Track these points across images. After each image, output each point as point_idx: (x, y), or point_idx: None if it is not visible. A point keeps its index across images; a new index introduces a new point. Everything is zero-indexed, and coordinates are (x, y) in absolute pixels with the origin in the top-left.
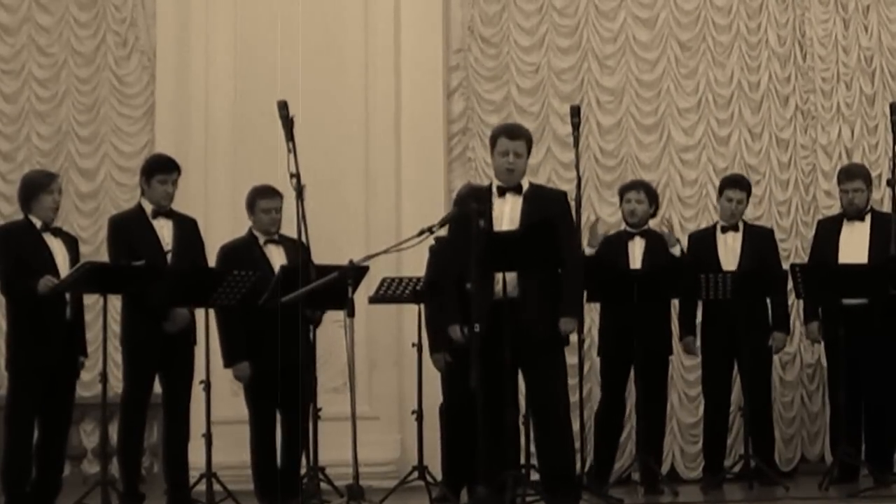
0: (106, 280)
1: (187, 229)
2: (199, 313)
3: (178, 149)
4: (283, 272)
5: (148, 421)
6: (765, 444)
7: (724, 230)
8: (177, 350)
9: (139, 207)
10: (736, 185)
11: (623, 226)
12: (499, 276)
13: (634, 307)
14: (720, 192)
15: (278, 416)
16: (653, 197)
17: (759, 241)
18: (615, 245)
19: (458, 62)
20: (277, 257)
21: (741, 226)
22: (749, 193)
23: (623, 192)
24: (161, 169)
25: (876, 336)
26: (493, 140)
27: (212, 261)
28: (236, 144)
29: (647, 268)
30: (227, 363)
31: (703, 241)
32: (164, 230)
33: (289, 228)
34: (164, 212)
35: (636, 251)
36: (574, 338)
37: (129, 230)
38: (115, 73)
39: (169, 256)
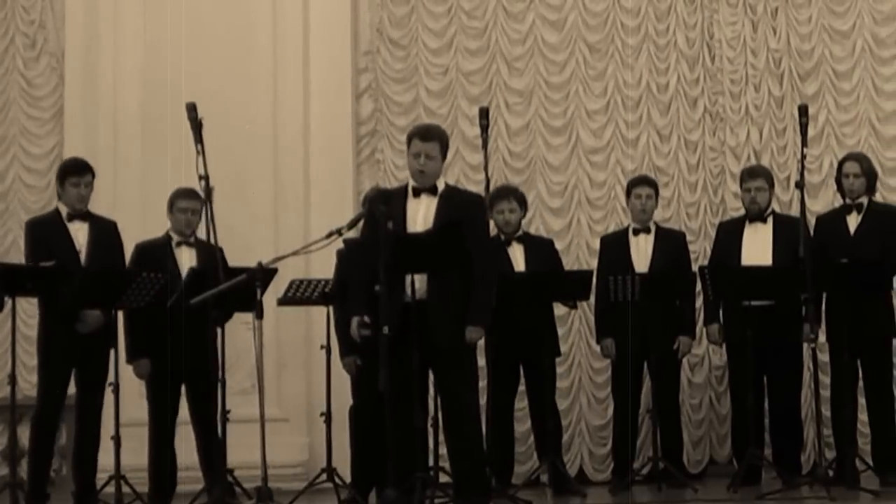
0: (15, 281)
1: (104, 232)
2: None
3: (87, 151)
4: (192, 274)
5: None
6: (673, 446)
7: (636, 232)
8: (92, 352)
9: (55, 211)
10: (642, 182)
11: (498, 233)
12: (410, 278)
13: (521, 311)
14: (627, 192)
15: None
16: (522, 202)
17: (671, 244)
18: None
19: (367, 64)
20: (187, 259)
21: (653, 228)
22: (656, 191)
23: (493, 202)
24: (73, 172)
25: (779, 338)
26: (408, 141)
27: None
28: (145, 146)
29: (531, 271)
30: (128, 359)
31: (615, 244)
32: (79, 233)
33: (200, 230)
34: (81, 214)
35: (517, 256)
36: (481, 341)
37: (43, 233)
38: (23, 76)
39: (83, 259)
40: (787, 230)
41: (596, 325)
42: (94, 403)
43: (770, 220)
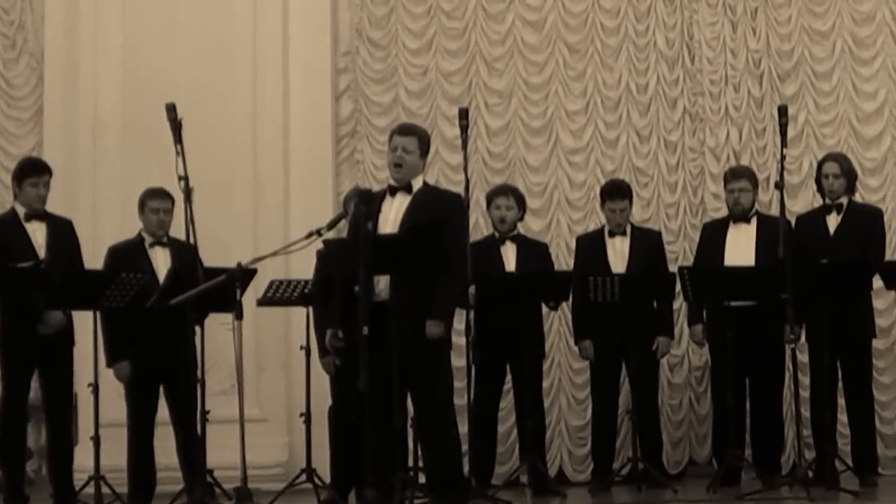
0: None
1: (62, 231)
2: (82, 315)
3: (67, 151)
4: (172, 275)
5: (37, 423)
6: (652, 446)
7: (611, 234)
8: (55, 352)
9: (12, 211)
10: (616, 194)
11: (493, 231)
12: (379, 278)
13: (509, 311)
14: (602, 202)
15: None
16: (521, 201)
17: (647, 245)
18: (487, 250)
19: (347, 64)
20: (162, 260)
21: (629, 229)
22: (631, 198)
23: (491, 198)
24: (32, 172)
25: (761, 339)
26: (389, 139)
27: (100, 262)
28: (125, 147)
29: (521, 272)
30: (108, 362)
31: (592, 245)
32: (38, 233)
33: (179, 231)
34: (38, 214)
35: (509, 256)
36: (462, 340)
37: (1, 234)
38: (3, 76)
39: (42, 259)
40: (771, 230)
41: (573, 327)
42: (62, 405)
43: (754, 220)
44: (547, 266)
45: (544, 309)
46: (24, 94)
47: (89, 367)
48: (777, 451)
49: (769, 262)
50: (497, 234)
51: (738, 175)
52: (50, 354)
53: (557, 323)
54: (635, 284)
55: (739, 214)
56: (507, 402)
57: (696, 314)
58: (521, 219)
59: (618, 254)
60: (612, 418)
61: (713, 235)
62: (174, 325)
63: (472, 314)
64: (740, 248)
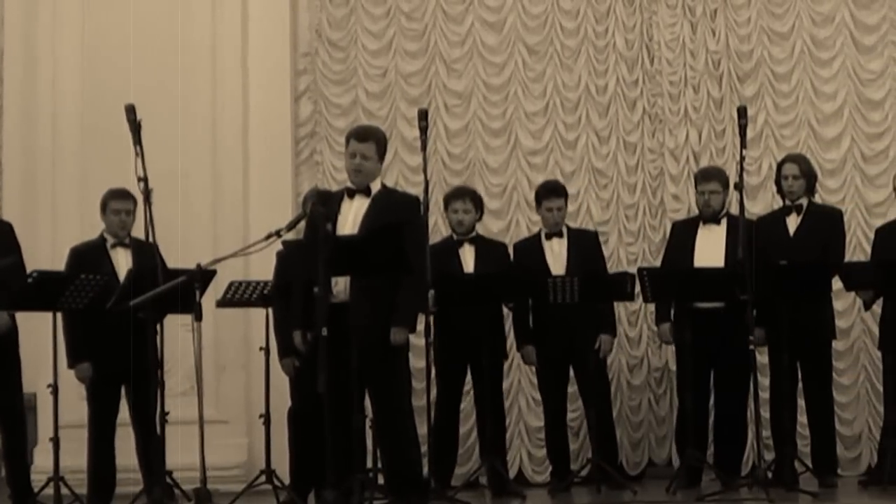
0: None
1: (3, 234)
2: (38, 316)
3: (26, 152)
4: (132, 276)
5: None
6: (608, 447)
7: (548, 237)
8: (1, 354)
9: None
10: (552, 193)
11: (451, 233)
12: (337, 280)
13: (469, 312)
14: (538, 203)
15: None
16: (478, 204)
17: (584, 245)
18: (446, 252)
19: (306, 66)
20: (123, 261)
21: (565, 231)
22: (566, 197)
23: (448, 201)
24: None
25: (726, 340)
26: (346, 142)
27: (60, 263)
28: (84, 148)
29: (479, 273)
30: (69, 364)
31: (529, 249)
32: None
33: (140, 232)
34: None
35: (467, 257)
36: (421, 342)
37: None
38: None
39: None
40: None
41: (515, 333)
42: (14, 406)
43: (724, 221)
44: (506, 266)
45: (504, 310)
46: None
47: (48, 369)
48: (739, 452)
49: (731, 264)
50: (455, 237)
51: (709, 177)
52: None
53: None
54: (596, 285)
55: (710, 216)
56: (466, 403)
57: (664, 314)
58: (479, 219)
59: (556, 256)
60: (563, 420)
61: (683, 235)
62: (134, 327)
63: (430, 317)
64: (710, 248)
